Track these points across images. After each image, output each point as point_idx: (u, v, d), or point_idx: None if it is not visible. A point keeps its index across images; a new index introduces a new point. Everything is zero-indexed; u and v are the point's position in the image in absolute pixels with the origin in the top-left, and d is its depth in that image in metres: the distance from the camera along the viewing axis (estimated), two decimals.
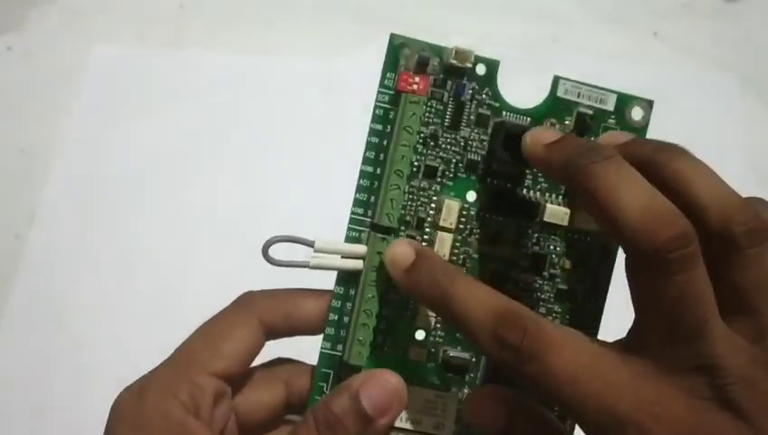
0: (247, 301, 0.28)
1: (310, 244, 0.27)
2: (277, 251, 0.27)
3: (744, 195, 0.23)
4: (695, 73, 0.53)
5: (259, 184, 0.46)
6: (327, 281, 0.29)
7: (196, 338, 0.27)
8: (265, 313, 0.28)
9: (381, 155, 0.27)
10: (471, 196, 0.28)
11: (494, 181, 0.28)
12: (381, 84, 0.27)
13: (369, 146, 0.27)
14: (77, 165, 0.47)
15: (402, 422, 0.28)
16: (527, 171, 0.28)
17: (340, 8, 0.51)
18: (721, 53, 0.54)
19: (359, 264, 0.28)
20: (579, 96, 0.28)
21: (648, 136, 0.29)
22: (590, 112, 0.28)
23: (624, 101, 0.28)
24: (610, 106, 0.28)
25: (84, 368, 0.42)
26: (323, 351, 0.28)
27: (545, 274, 0.29)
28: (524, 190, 0.28)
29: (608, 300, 0.29)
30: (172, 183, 0.47)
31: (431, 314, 0.28)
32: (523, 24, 0.55)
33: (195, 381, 0.26)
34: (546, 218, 0.28)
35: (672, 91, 0.51)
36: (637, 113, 0.29)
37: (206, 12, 0.54)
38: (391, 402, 0.26)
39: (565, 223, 0.28)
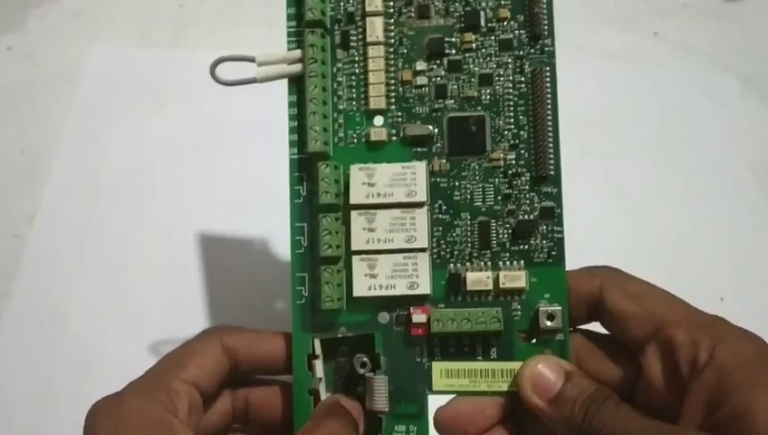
0: (211, 329, 0.30)
1: (251, 59, 0.29)
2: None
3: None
4: (695, 73, 0.53)
5: (260, 183, 0.46)
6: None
7: (163, 359, 0.29)
8: (228, 338, 0.30)
9: None
10: None
11: None
12: None
13: None
14: (77, 165, 0.47)
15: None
16: None
17: None
18: (721, 53, 0.54)
19: (301, 67, 0.29)
20: None
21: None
22: None
23: None
24: None
25: (84, 368, 0.42)
26: (292, 157, 0.30)
27: (482, 28, 0.29)
28: None
29: None
30: (172, 183, 0.47)
31: (382, 94, 0.29)
32: None
33: (170, 386, 0.27)
34: None
35: (672, 91, 0.51)
36: None
37: (206, 12, 0.54)
38: None
39: None
